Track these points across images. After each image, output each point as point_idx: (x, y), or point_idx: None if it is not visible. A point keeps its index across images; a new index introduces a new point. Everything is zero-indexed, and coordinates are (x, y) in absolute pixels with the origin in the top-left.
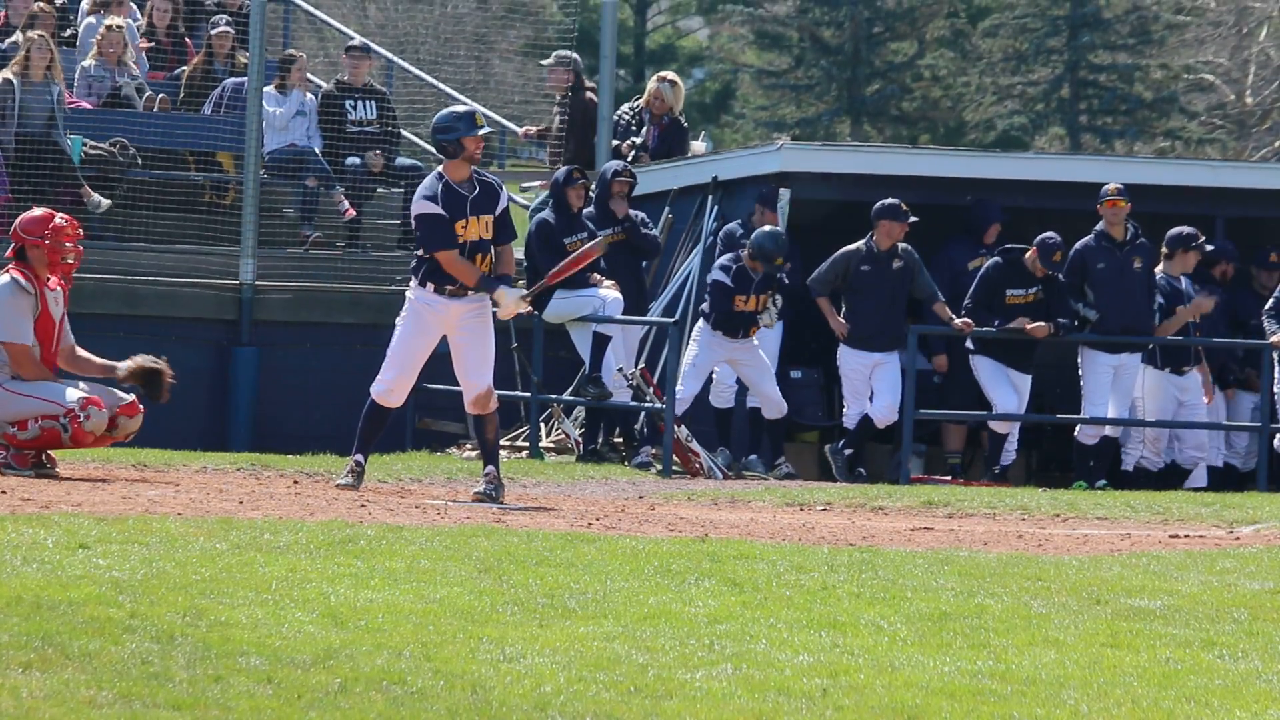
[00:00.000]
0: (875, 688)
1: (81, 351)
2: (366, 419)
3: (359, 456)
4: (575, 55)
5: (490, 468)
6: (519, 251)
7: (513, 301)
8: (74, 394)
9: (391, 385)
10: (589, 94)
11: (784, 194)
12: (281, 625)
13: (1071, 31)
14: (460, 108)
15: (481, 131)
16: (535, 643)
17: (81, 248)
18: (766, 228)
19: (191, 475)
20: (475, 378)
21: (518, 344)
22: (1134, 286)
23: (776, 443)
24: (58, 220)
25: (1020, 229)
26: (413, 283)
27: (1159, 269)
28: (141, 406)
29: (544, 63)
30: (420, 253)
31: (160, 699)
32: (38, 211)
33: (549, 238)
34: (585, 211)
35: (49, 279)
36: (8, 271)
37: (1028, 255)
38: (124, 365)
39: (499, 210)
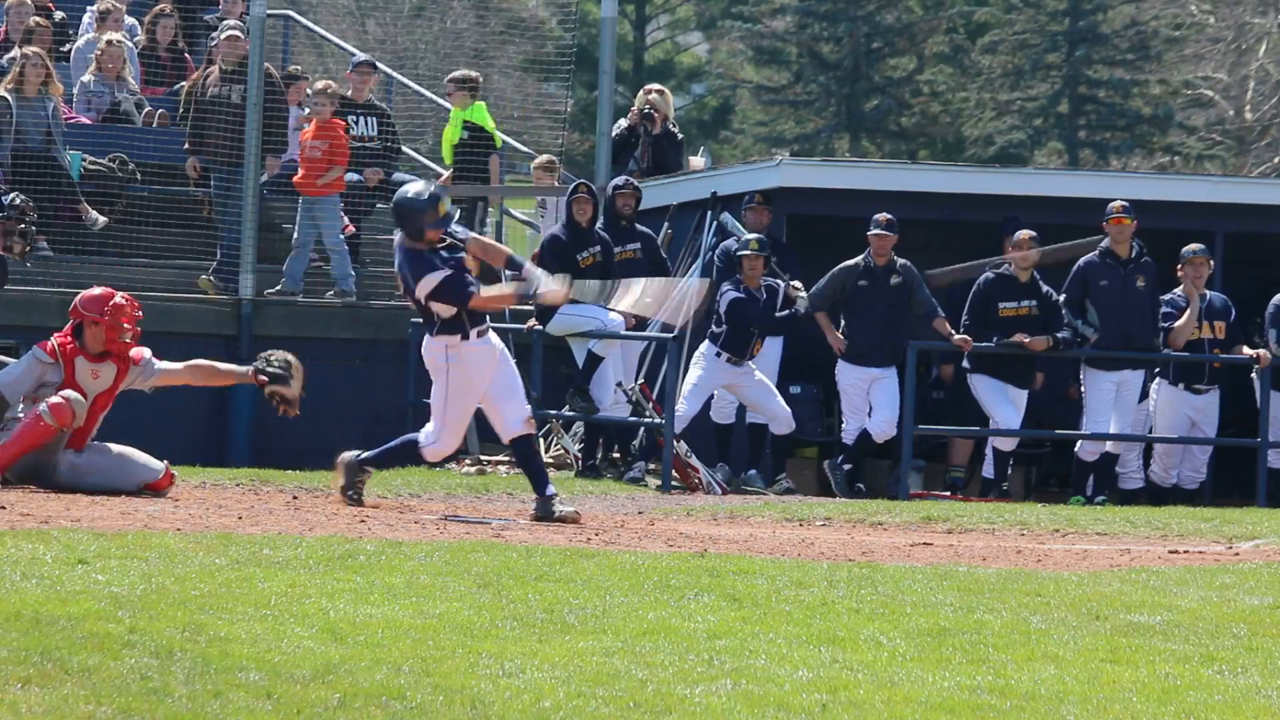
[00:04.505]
0: (875, 703)
1: (215, 364)
2: (404, 457)
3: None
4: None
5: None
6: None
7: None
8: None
9: (449, 446)
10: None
11: (726, 217)
12: (281, 640)
13: (1070, 47)
14: (422, 190)
15: (451, 224)
16: (534, 658)
17: (140, 328)
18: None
19: (190, 490)
20: (518, 400)
21: (517, 359)
22: (1136, 304)
23: (779, 458)
24: (117, 299)
25: None
26: (437, 337)
27: (1179, 289)
28: (174, 475)
29: (214, 36)
30: (445, 315)
31: (159, 714)
32: (96, 290)
33: (560, 252)
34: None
35: (104, 357)
36: (40, 346)
37: (1013, 264)
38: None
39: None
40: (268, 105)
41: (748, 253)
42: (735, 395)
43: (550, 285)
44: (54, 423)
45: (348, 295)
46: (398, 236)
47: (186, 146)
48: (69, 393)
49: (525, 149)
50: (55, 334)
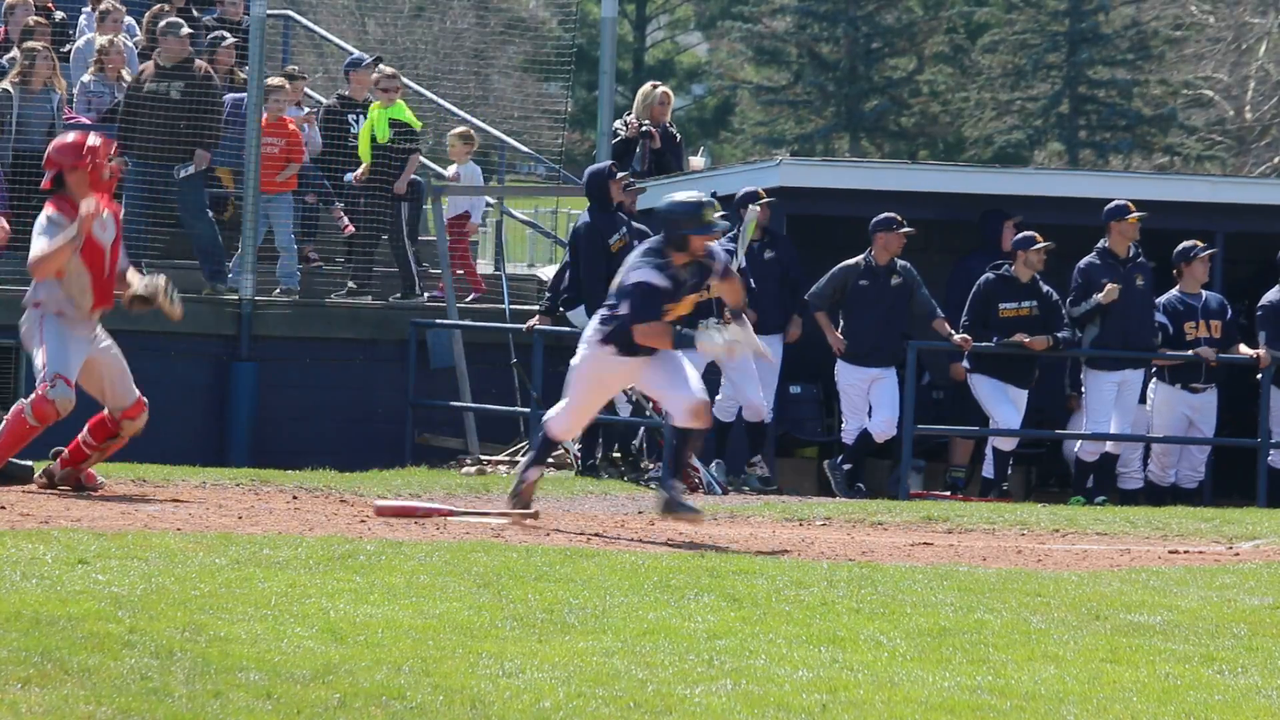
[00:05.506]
0: (875, 703)
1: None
2: (545, 445)
3: (538, 471)
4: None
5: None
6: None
7: (712, 344)
8: (71, 365)
9: (572, 429)
10: (201, 64)
11: (752, 210)
12: (281, 640)
13: (1071, 47)
14: (691, 199)
15: (717, 229)
16: (534, 658)
17: (116, 164)
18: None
19: (191, 490)
20: (683, 390)
21: (517, 359)
22: (1136, 303)
23: (755, 443)
24: (92, 140)
25: None
26: (593, 336)
27: (1175, 290)
28: (145, 403)
29: (213, 37)
30: (619, 312)
31: (159, 715)
32: (70, 136)
33: (594, 238)
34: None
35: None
36: (45, 208)
37: (1015, 264)
38: (132, 288)
39: (709, 281)
40: (202, 100)
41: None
42: (722, 371)
43: (711, 341)
44: (36, 421)
45: (292, 293)
46: (642, 253)
47: (115, 147)
48: (55, 392)
49: (525, 149)
50: (47, 201)
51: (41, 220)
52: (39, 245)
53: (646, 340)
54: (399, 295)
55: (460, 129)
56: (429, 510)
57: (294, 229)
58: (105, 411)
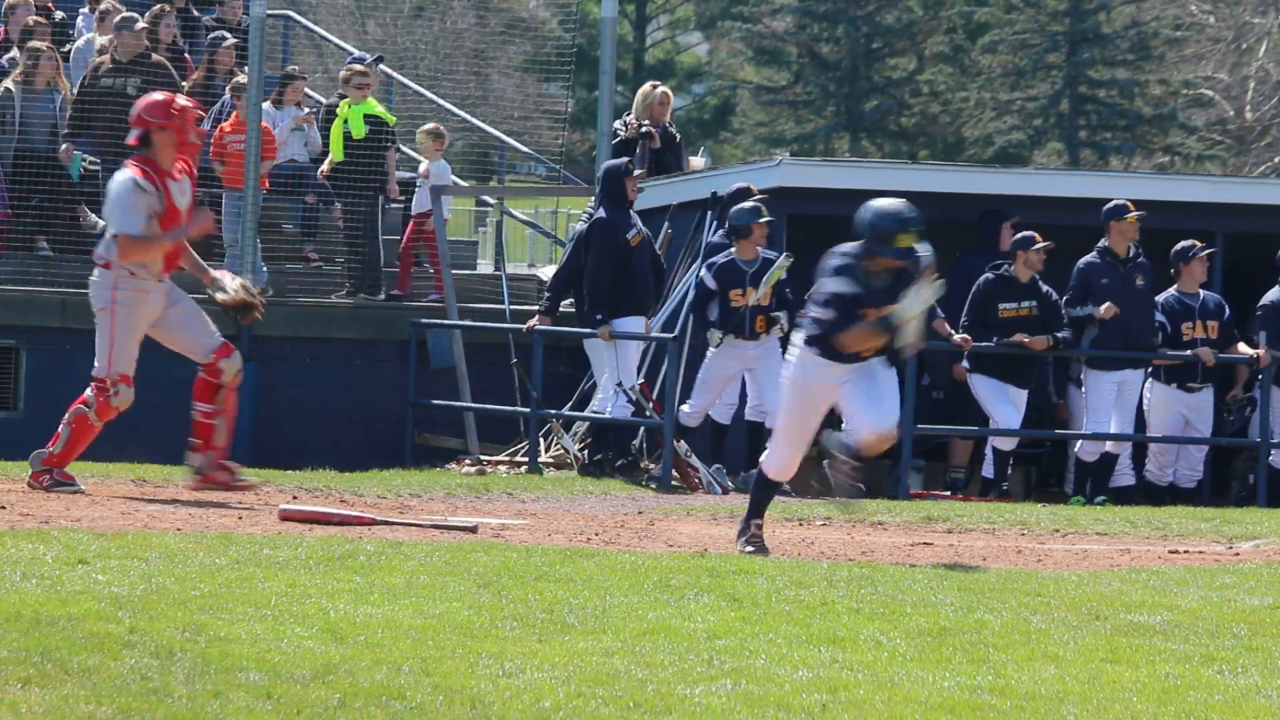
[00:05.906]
0: (874, 703)
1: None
2: (760, 489)
3: (758, 521)
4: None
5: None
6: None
7: (915, 307)
8: (132, 359)
9: (786, 464)
10: (155, 55)
11: (782, 258)
12: (281, 640)
13: (1071, 47)
14: (891, 212)
15: (899, 258)
16: (534, 658)
17: (204, 128)
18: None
19: (191, 490)
20: (880, 410)
21: (517, 359)
22: (1136, 304)
23: (756, 445)
24: (180, 101)
25: None
26: (797, 339)
27: (1173, 289)
28: (231, 346)
29: (213, 37)
30: (819, 318)
31: (159, 715)
32: (158, 95)
33: (611, 233)
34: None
35: (176, 166)
36: (128, 167)
37: (1014, 265)
38: (228, 289)
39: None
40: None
41: (763, 220)
42: (749, 380)
43: (914, 305)
44: (99, 423)
45: (265, 289)
46: (840, 254)
47: (66, 132)
48: (118, 400)
49: (525, 149)
50: (126, 162)
51: (126, 181)
52: (127, 220)
53: (857, 344)
54: (362, 294)
55: (430, 125)
56: (344, 517)
57: (295, 229)
58: (200, 372)
